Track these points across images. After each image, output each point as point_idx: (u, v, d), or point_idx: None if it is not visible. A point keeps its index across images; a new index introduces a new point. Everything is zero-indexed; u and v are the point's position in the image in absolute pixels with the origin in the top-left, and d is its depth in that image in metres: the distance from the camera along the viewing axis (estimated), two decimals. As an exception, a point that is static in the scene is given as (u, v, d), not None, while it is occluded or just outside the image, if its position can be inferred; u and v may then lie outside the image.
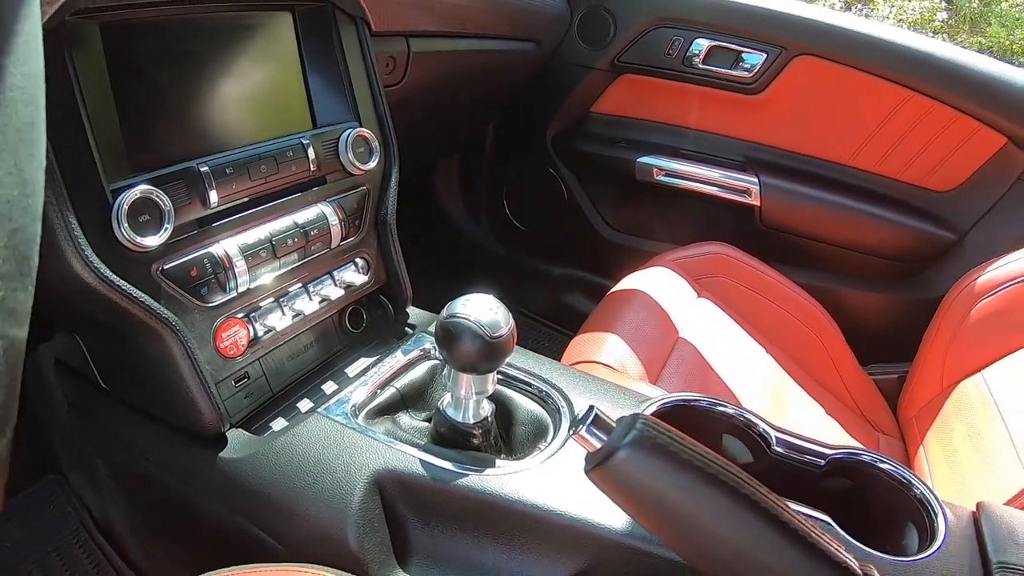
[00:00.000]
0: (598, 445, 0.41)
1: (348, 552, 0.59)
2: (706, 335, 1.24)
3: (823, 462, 0.69)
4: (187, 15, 0.72)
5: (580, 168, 1.91)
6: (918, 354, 1.41)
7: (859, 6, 7.28)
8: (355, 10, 0.90)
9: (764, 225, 1.71)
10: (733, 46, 1.67)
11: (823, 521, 0.60)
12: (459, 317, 0.60)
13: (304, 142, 0.79)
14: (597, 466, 0.40)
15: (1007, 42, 7.12)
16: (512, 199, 2.06)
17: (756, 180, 1.67)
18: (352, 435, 0.66)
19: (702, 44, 1.68)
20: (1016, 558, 0.61)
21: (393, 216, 0.91)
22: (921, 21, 7.03)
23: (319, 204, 0.81)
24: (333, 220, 0.81)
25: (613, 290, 1.31)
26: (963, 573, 0.60)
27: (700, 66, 1.69)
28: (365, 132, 0.85)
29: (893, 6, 7.02)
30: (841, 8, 7.16)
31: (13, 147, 0.27)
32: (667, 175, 1.76)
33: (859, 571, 0.38)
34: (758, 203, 1.67)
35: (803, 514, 0.59)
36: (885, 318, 1.69)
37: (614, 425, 0.41)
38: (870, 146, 1.66)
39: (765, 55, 1.64)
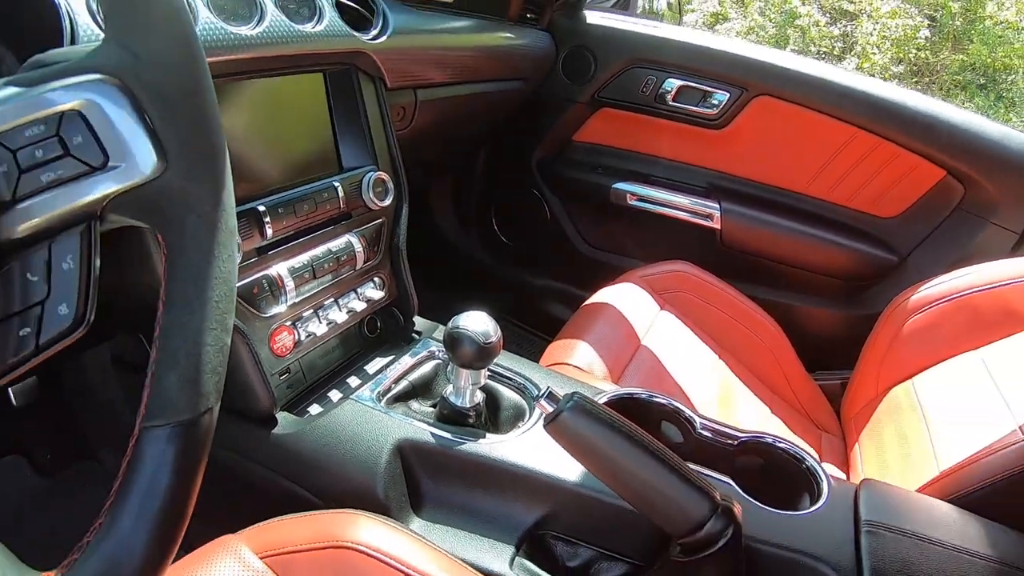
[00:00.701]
0: (551, 409, 0.63)
1: (377, 501, 0.81)
2: (665, 343, 1.42)
3: (736, 442, 0.90)
4: (244, 79, 0.93)
5: (562, 190, 2.09)
6: (858, 363, 1.57)
7: (843, 22, 7.48)
8: (374, 71, 1.11)
9: (724, 246, 1.88)
10: (700, 86, 1.84)
11: (725, 482, 0.82)
12: (461, 328, 0.82)
13: (335, 184, 1.00)
14: (549, 423, 0.62)
15: (988, 59, 7.31)
16: (500, 217, 2.23)
17: (718, 206, 1.85)
18: (378, 415, 0.88)
19: (673, 83, 1.86)
20: (883, 518, 0.81)
21: (404, 242, 1.13)
22: (904, 39, 7.20)
23: (347, 235, 1.02)
24: (358, 247, 1.02)
25: (586, 303, 1.49)
26: (836, 527, 0.80)
27: (671, 103, 1.87)
28: (383, 175, 1.07)
29: (877, 23, 7.19)
30: (826, 24, 7.36)
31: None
32: (639, 199, 1.94)
33: (718, 496, 0.60)
34: (719, 226, 1.86)
35: (709, 476, 0.81)
36: (831, 330, 1.85)
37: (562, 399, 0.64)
38: (822, 176, 1.83)
39: (728, 94, 1.82)
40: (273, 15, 0.90)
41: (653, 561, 0.73)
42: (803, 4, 7.21)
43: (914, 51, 7.36)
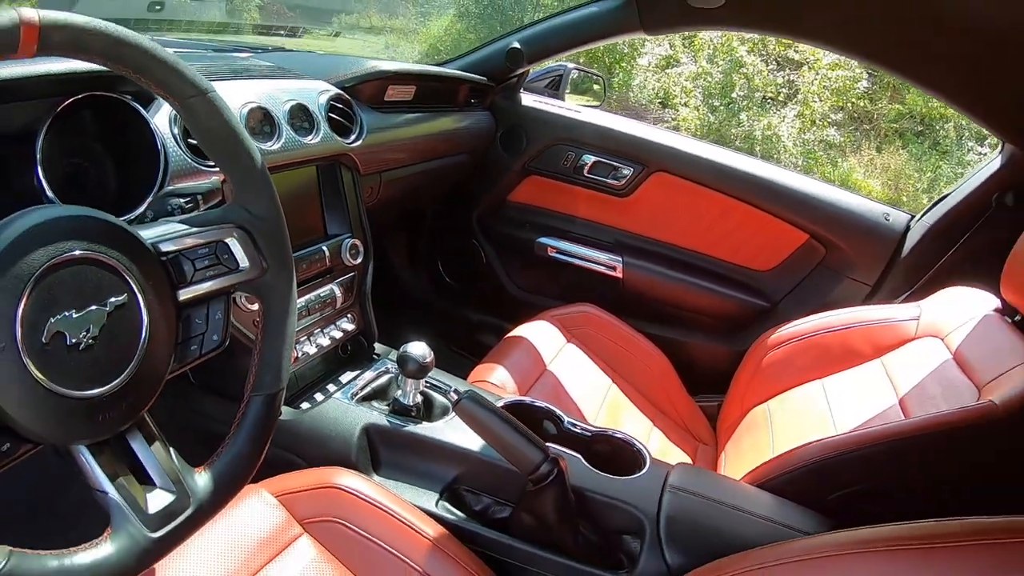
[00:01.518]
0: (455, 398, 1.11)
1: (351, 463, 1.27)
2: (566, 368, 1.84)
3: (590, 434, 1.38)
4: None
5: (496, 242, 2.55)
6: (729, 389, 1.98)
7: (788, 70, 8.07)
8: (352, 164, 1.60)
9: (625, 292, 2.35)
10: (610, 162, 2.32)
11: (575, 456, 1.28)
12: (408, 352, 1.30)
13: (323, 248, 1.47)
14: (455, 405, 1.10)
15: (924, 109, 7.94)
16: (445, 263, 2.69)
17: (621, 259, 2.33)
18: (352, 408, 1.36)
19: (589, 158, 2.34)
20: (683, 485, 1.24)
21: (369, 288, 1.61)
22: (844, 89, 7.79)
23: (330, 284, 1.49)
24: (337, 293, 1.50)
25: (507, 335, 1.90)
26: (649, 488, 1.23)
27: (586, 174, 2.35)
28: (356, 241, 1.55)
29: (818, 74, 7.77)
30: (771, 71, 7.95)
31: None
32: (558, 252, 2.41)
33: (549, 451, 1.08)
34: (621, 276, 2.34)
35: (565, 451, 1.28)
36: (712, 362, 2.29)
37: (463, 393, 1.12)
38: (708, 236, 2.30)
39: (632, 170, 2.30)
40: (287, 133, 1.38)
41: (523, 501, 1.21)
42: (749, 53, 7.78)
43: (853, 100, 7.97)
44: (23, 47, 0.64)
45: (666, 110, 8.29)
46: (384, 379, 1.51)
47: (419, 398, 1.38)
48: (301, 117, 1.45)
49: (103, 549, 0.73)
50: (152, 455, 0.81)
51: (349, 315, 1.57)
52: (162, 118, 1.16)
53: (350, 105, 1.61)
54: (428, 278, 2.76)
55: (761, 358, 1.94)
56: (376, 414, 1.35)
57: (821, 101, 7.79)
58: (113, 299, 0.72)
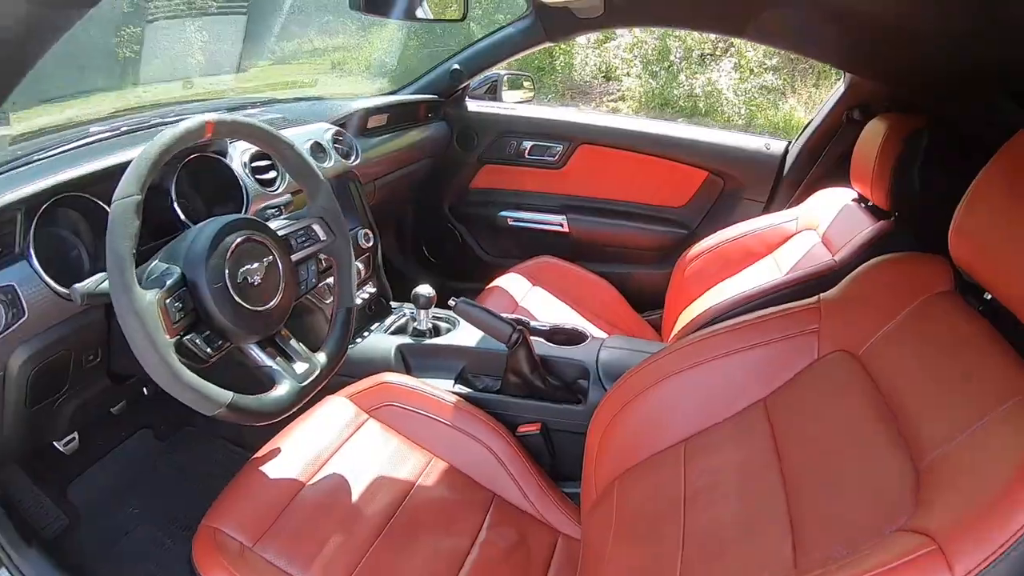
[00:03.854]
0: (455, 304, 1.83)
1: (391, 371, 1.98)
2: (534, 304, 2.46)
3: (548, 327, 2.10)
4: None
5: (466, 222, 3.25)
6: (665, 302, 2.62)
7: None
8: (354, 177, 2.34)
9: (572, 242, 3.06)
10: (544, 143, 3.03)
11: (541, 341, 2.00)
12: (418, 291, 2.03)
13: (347, 238, 2.22)
14: (453, 308, 1.82)
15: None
16: (428, 245, 3.40)
17: (565, 217, 3.04)
18: (386, 337, 2.09)
19: (527, 143, 3.05)
20: (612, 344, 1.95)
21: (381, 262, 2.34)
22: None
23: (355, 262, 2.22)
24: (360, 268, 2.24)
25: (485, 288, 2.49)
26: (589, 350, 1.92)
27: (527, 156, 3.06)
28: (367, 231, 2.29)
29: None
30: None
31: None
32: (515, 221, 3.12)
33: (515, 324, 1.82)
34: (568, 230, 3.05)
35: (534, 338, 2.02)
36: (651, 284, 2.92)
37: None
38: (630, 187, 3.00)
39: (562, 146, 3.01)
40: (313, 162, 2.11)
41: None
42: (678, 16, 8.46)
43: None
44: (206, 137, 1.39)
45: (610, 83, 8.99)
46: (403, 320, 2.24)
47: (430, 324, 2.11)
48: (317, 150, 2.17)
49: (275, 392, 1.44)
50: (291, 345, 1.54)
51: (370, 283, 2.31)
52: (236, 164, 1.86)
53: (345, 135, 2.35)
54: (416, 261, 3.44)
55: (683, 272, 2.57)
56: (403, 338, 2.08)
57: (755, 50, 8.45)
58: (266, 259, 1.46)
